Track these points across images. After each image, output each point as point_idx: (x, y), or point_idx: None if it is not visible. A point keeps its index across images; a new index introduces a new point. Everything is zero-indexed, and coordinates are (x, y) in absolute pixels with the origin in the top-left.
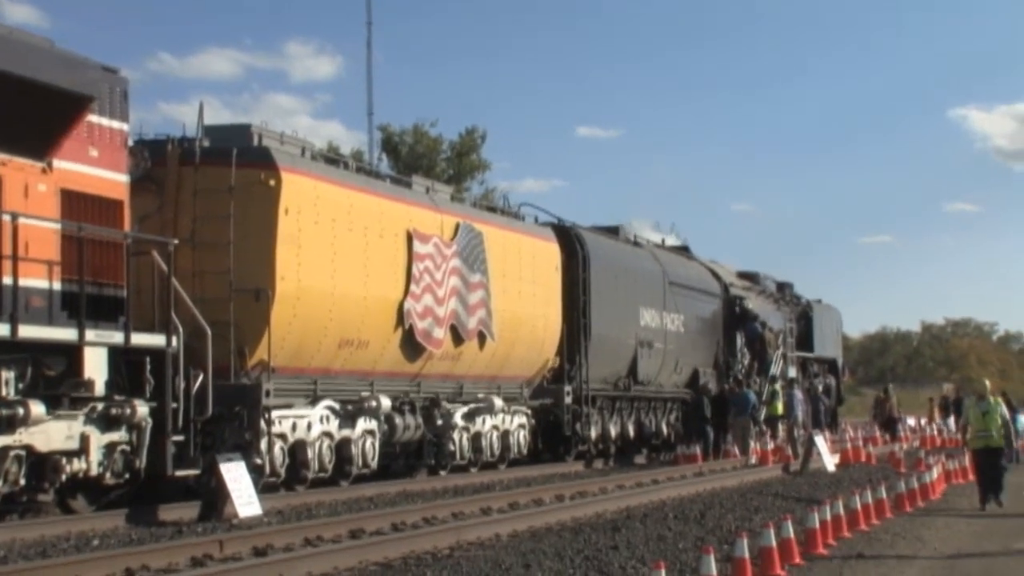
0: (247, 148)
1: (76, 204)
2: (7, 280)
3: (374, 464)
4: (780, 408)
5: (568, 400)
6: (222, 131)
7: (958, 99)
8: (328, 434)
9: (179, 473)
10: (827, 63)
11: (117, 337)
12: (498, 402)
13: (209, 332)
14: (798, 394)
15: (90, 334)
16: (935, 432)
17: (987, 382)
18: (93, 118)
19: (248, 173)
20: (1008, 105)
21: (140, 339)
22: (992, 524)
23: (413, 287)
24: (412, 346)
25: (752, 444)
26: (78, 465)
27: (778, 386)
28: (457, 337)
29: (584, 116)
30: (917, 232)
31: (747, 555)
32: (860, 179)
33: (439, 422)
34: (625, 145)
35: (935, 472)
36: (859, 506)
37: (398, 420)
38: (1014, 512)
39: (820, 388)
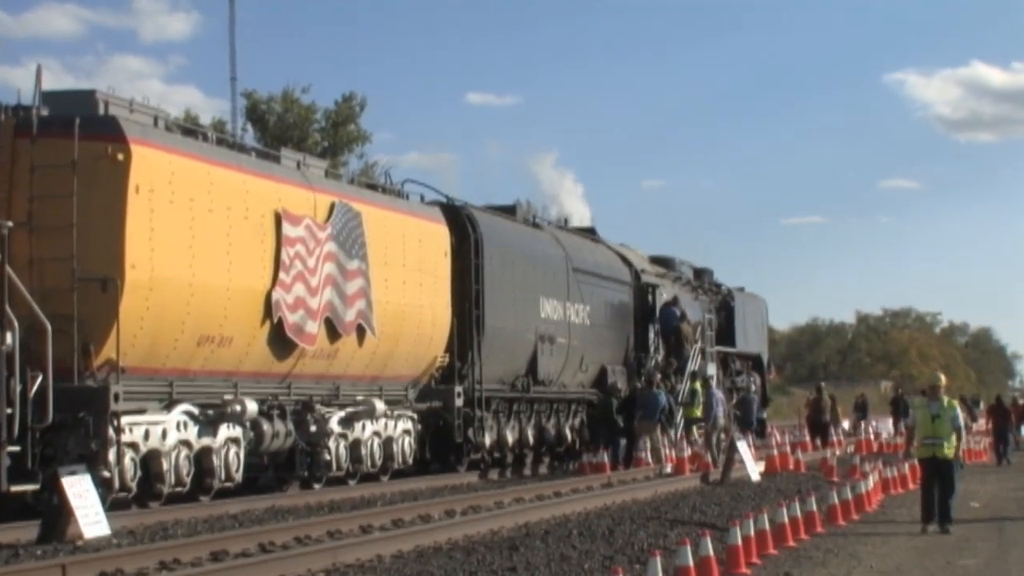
0: (92, 117)
1: None
2: None
3: (239, 477)
4: (699, 411)
5: (459, 403)
6: (63, 98)
7: (895, 63)
8: (186, 443)
9: (15, 488)
10: (748, 21)
11: None
12: (380, 405)
13: (49, 328)
14: (718, 394)
15: None
16: (871, 436)
17: (942, 377)
18: None
19: (93, 146)
20: (951, 69)
21: None
22: (935, 539)
23: (282, 275)
24: (282, 342)
25: (666, 451)
26: None
27: (699, 385)
28: (333, 332)
29: (475, 81)
30: (850, 212)
31: None
32: (786, 153)
33: (313, 428)
34: (522, 114)
35: (871, 481)
36: (786, 519)
37: (266, 427)
38: (958, 520)
39: (753, 386)
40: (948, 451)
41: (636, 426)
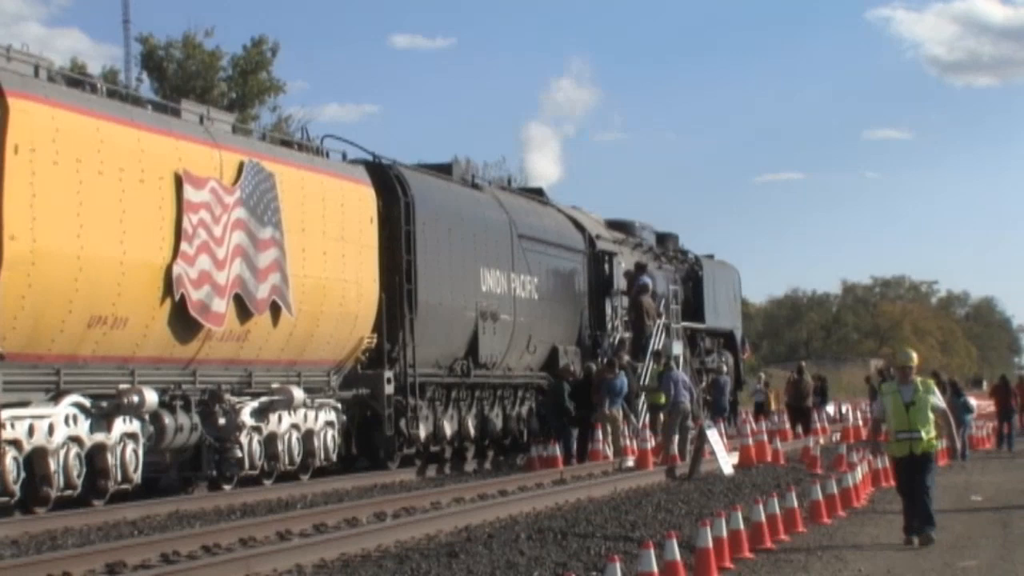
0: None
1: None
2: None
3: (137, 477)
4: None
5: (389, 390)
6: None
7: None
8: (76, 439)
9: None
10: None
11: None
12: (298, 394)
13: None
14: (680, 376)
15: None
16: (860, 422)
17: (913, 355)
18: None
19: None
20: (944, 3)
21: None
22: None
23: (185, 246)
24: (185, 323)
25: (626, 442)
26: None
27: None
28: (244, 310)
29: (401, 21)
30: (833, 167)
31: None
32: (759, 101)
33: (222, 421)
34: (455, 58)
35: (860, 472)
36: (763, 518)
37: (168, 420)
38: (957, 513)
39: (725, 367)
40: (926, 444)
41: (596, 415)
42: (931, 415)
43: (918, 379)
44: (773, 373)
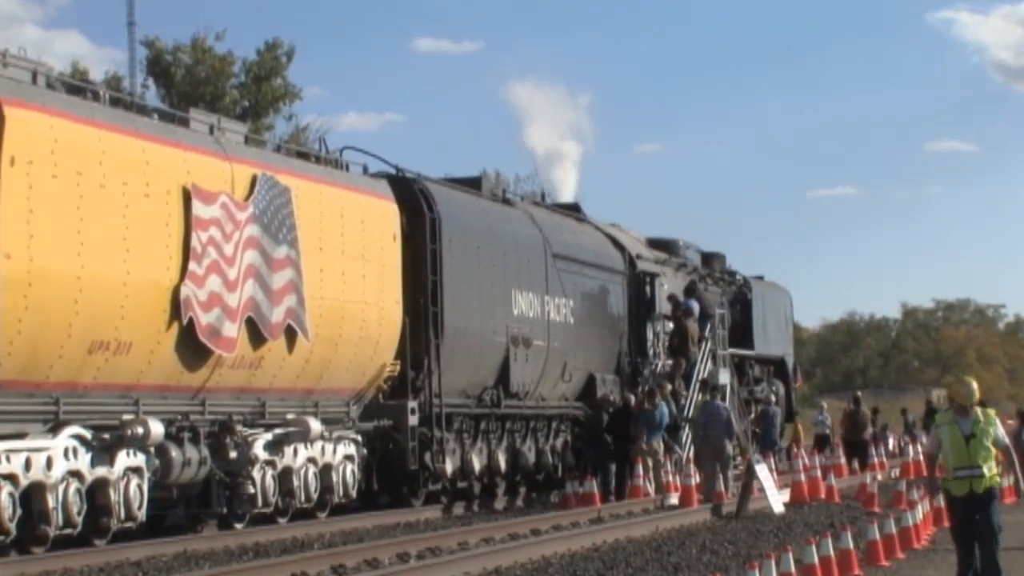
0: None
1: None
2: None
3: (142, 515)
4: None
5: (413, 421)
6: None
7: None
8: (76, 474)
9: None
10: None
11: None
12: (315, 425)
13: None
14: (723, 407)
15: None
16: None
17: (973, 384)
18: None
19: None
20: (1011, 5)
21: None
22: None
23: (193, 266)
24: (193, 348)
25: (668, 477)
26: None
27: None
28: (257, 335)
29: (425, 24)
30: (892, 181)
31: None
32: (812, 109)
33: (233, 455)
34: (484, 63)
35: (920, 510)
36: (816, 560)
37: (175, 453)
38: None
39: (774, 397)
40: (989, 481)
41: (635, 449)
42: (993, 449)
43: (978, 409)
44: (828, 404)
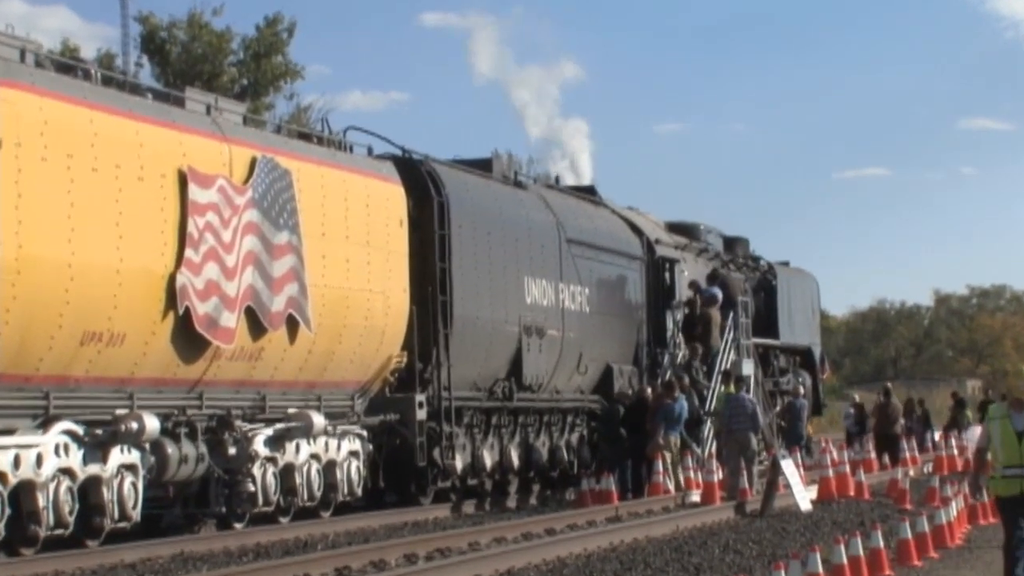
0: None
1: None
2: None
3: (136, 515)
4: None
5: (421, 415)
6: None
7: None
8: (68, 472)
9: None
10: None
11: None
12: (318, 420)
13: None
14: (748, 400)
15: None
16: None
17: None
18: None
19: None
20: None
21: None
22: None
23: (189, 253)
24: (190, 340)
25: (689, 473)
26: None
27: (733, 388)
28: (256, 325)
29: None
30: (923, 162)
31: None
32: (839, 87)
33: (232, 451)
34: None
35: (955, 508)
36: (845, 560)
37: (171, 449)
38: None
39: (802, 389)
40: None
41: (652, 444)
42: None
43: None
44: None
